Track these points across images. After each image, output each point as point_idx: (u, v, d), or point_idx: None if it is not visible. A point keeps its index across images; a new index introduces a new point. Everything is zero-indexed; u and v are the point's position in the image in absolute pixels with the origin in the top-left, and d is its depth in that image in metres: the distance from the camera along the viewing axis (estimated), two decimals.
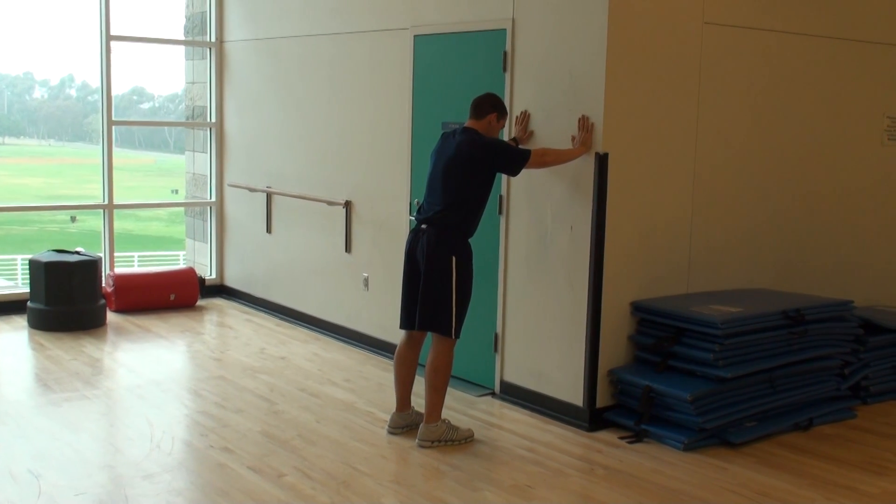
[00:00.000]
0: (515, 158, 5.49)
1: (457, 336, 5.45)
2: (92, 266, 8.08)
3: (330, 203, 7.82)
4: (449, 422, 5.50)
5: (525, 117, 6.00)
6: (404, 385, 5.64)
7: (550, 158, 5.60)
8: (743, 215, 6.41)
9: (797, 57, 6.56)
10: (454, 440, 5.44)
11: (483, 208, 5.48)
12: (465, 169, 5.35)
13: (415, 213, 5.63)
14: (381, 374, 6.82)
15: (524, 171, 5.58)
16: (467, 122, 5.49)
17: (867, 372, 6.30)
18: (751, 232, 6.47)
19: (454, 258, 5.34)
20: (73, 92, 50.08)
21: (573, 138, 5.66)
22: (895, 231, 7.44)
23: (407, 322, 5.55)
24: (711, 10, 5.99)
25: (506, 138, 6.07)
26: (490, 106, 5.47)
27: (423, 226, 5.42)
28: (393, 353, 7.13)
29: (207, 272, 9.63)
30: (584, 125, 5.60)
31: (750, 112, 6.36)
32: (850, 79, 6.92)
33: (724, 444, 5.45)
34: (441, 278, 5.35)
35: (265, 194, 8.71)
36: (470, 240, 5.46)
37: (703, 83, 6.03)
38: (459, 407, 6.10)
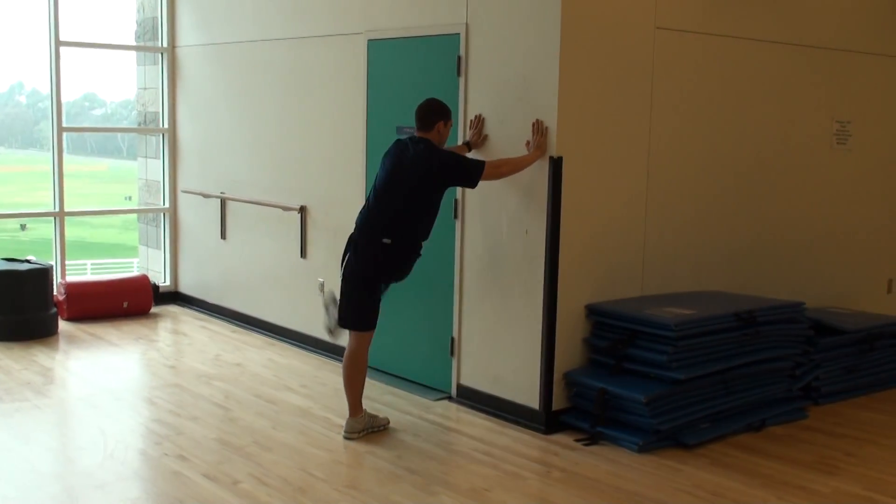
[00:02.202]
0: (470, 173, 5.48)
1: (359, 328, 5.64)
2: (43, 274, 7.98)
3: (285, 208, 7.78)
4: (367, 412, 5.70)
5: (479, 121, 6.02)
6: (356, 389, 5.64)
7: (507, 169, 5.61)
8: (696, 218, 6.47)
9: (748, 62, 6.64)
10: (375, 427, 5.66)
11: (435, 216, 5.52)
12: (419, 182, 5.39)
13: (358, 215, 5.61)
14: (337, 380, 6.78)
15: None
16: (417, 133, 5.50)
17: (818, 373, 6.38)
18: (704, 234, 6.54)
19: (376, 256, 5.46)
20: (22, 99, 49.37)
21: (528, 143, 5.69)
22: (844, 234, 7.56)
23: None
24: (663, 15, 6.05)
25: (458, 137, 6.09)
26: (435, 115, 5.50)
27: (353, 232, 5.54)
28: None
29: (161, 279, 9.54)
30: (539, 129, 5.63)
31: (702, 116, 6.43)
32: (800, 83, 7.02)
33: (678, 446, 5.50)
34: (360, 279, 5.54)
35: (219, 200, 8.66)
36: (424, 242, 5.54)
37: (656, 87, 6.09)
38: (416, 411, 6.10)
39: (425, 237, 5.51)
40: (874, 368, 6.76)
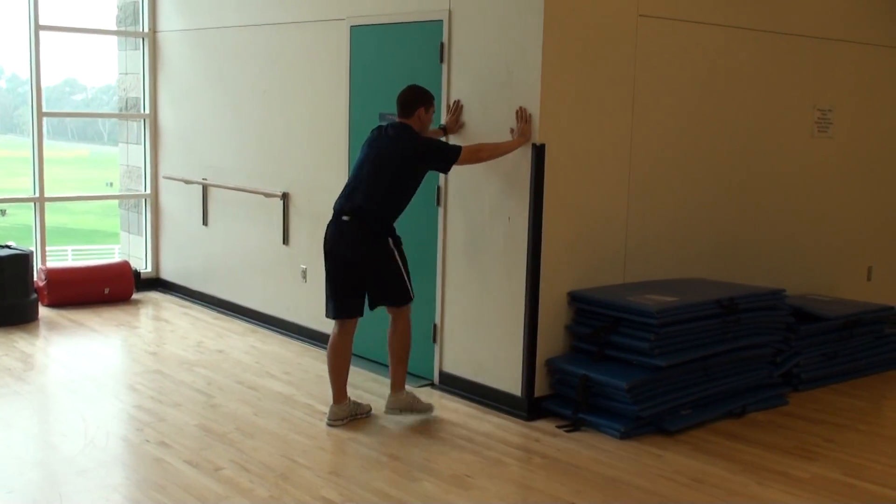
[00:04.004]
0: (446, 157, 5.52)
1: (412, 298, 5.67)
2: (23, 260, 7.93)
3: (267, 195, 7.76)
4: (411, 393, 5.80)
5: (457, 107, 6.01)
6: (341, 376, 5.64)
7: (486, 154, 5.61)
8: (678, 206, 6.49)
9: (730, 49, 6.65)
10: (417, 410, 5.73)
11: (410, 199, 5.57)
12: (398, 167, 5.42)
13: (336, 202, 5.61)
14: (319, 366, 6.79)
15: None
16: (398, 119, 5.53)
17: (798, 360, 6.42)
18: (686, 222, 6.55)
19: (390, 240, 5.49)
20: (2, 83, 48.97)
21: (512, 130, 5.69)
22: (825, 222, 7.59)
23: (345, 311, 5.58)
24: (646, 2, 6.05)
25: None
26: (416, 102, 5.52)
27: (345, 217, 5.47)
28: None
29: (143, 265, 9.50)
30: (523, 116, 5.62)
31: (684, 103, 6.44)
32: (781, 71, 7.04)
33: (659, 432, 5.52)
34: (387, 264, 5.51)
35: (201, 186, 8.62)
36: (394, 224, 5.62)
37: (639, 75, 6.09)
38: None
39: (394, 219, 5.56)
40: (854, 355, 6.81)
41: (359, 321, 5.67)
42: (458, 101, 6.02)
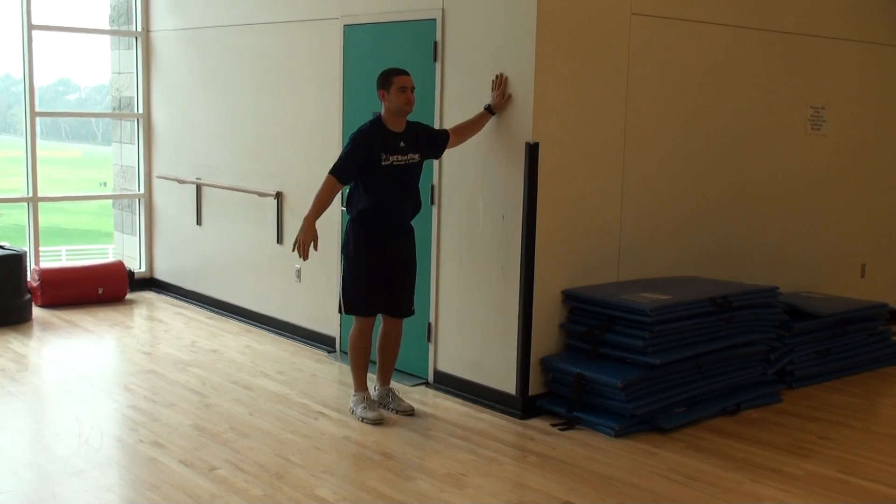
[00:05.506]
0: (333, 166, 5.57)
1: (347, 312, 5.71)
2: (16, 260, 7.91)
3: (261, 194, 7.75)
4: (360, 398, 5.70)
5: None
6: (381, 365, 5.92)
7: (316, 197, 5.55)
8: (671, 204, 6.49)
9: (723, 47, 6.66)
10: (361, 416, 5.66)
11: (373, 193, 5.48)
12: None
13: None
14: (313, 366, 6.79)
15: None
16: None
17: (792, 357, 6.43)
18: (679, 220, 6.56)
19: (343, 237, 5.68)
20: None
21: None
22: (818, 219, 7.61)
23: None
24: (639, 0, 6.05)
25: (435, 120, 6.09)
26: (377, 90, 5.56)
27: None
28: (325, 344, 7.16)
29: (137, 265, 9.49)
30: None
31: (678, 101, 6.45)
32: (775, 69, 7.04)
33: (654, 430, 5.53)
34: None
35: (195, 186, 8.61)
36: (376, 222, 5.55)
37: (632, 73, 6.09)
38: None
39: (371, 214, 5.52)
40: (847, 352, 6.82)
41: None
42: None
